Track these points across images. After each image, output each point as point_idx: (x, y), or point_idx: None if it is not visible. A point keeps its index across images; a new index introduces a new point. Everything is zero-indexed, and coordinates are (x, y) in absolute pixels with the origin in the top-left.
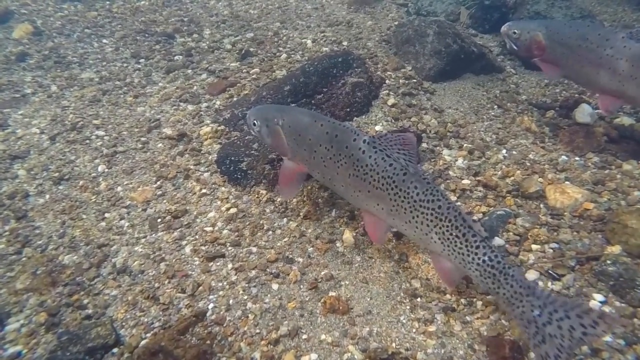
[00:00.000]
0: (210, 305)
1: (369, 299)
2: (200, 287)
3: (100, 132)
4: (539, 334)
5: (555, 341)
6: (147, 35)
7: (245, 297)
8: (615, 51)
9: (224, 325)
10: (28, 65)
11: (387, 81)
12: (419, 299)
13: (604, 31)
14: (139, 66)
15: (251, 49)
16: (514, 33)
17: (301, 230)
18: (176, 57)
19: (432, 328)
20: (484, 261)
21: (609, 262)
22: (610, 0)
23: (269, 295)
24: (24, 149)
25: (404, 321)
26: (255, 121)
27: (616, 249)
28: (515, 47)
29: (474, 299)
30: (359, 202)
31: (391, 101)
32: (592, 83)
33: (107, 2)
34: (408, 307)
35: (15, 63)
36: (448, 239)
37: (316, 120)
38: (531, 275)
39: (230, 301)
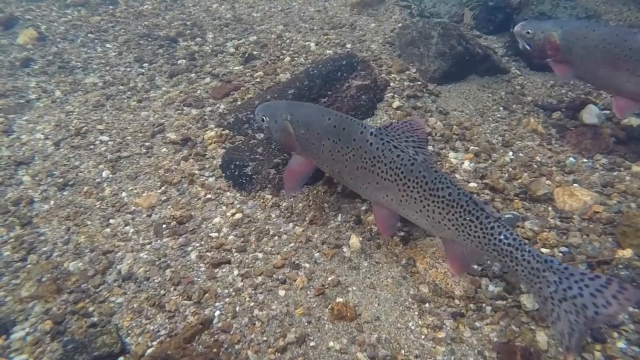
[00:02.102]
0: (217, 313)
1: (376, 305)
2: (206, 294)
3: (104, 137)
4: (555, 311)
5: (571, 317)
6: (150, 39)
7: (252, 304)
8: (633, 52)
9: (231, 333)
10: (32, 70)
11: (391, 84)
12: (427, 305)
13: (621, 32)
14: (143, 70)
15: (254, 52)
16: (528, 33)
17: (307, 236)
18: (179, 61)
19: (441, 334)
20: (500, 240)
21: (620, 266)
22: (616, 0)
23: (275, 301)
24: (28, 155)
25: (413, 327)
26: (263, 117)
27: (627, 253)
28: (528, 48)
29: (483, 304)
30: (368, 194)
31: (396, 104)
32: (608, 85)
33: (111, 7)
34: (416, 313)
35: (20, 69)
36: (462, 224)
37: (324, 114)
38: None
39: (237, 308)
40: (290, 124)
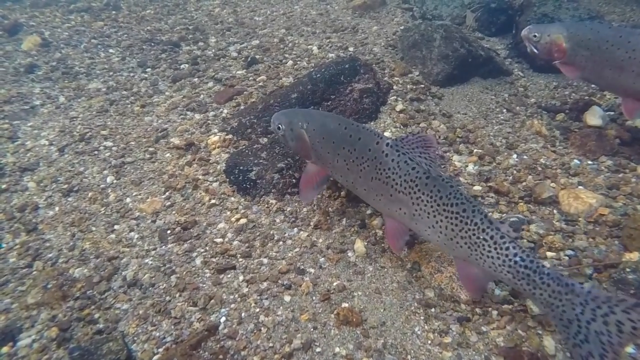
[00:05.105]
0: (222, 319)
1: (382, 310)
2: (212, 300)
3: (109, 143)
4: (582, 332)
5: (602, 338)
6: (153, 44)
7: (257, 309)
8: (638, 53)
9: (237, 339)
10: (37, 76)
11: (394, 87)
12: (433, 309)
13: (626, 32)
14: (146, 75)
15: (257, 56)
16: (535, 36)
17: (312, 240)
18: (182, 66)
19: (447, 339)
20: (515, 262)
21: (628, 269)
22: (618, 0)
23: (281, 307)
24: (33, 161)
25: (419, 332)
26: (280, 125)
27: (635, 256)
28: (535, 51)
29: (489, 309)
30: (381, 206)
31: (399, 107)
32: (614, 86)
33: (113, 12)
34: (422, 318)
35: (24, 75)
36: (475, 242)
37: (340, 123)
38: None
39: (242, 314)
40: (306, 132)
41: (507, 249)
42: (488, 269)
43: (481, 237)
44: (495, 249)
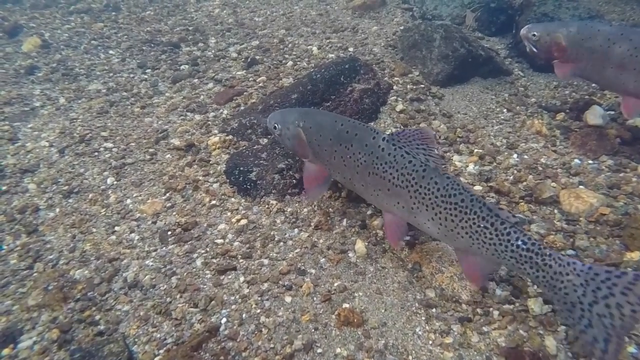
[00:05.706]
0: (223, 320)
1: (383, 311)
2: (213, 302)
3: (109, 144)
4: (585, 317)
5: (605, 321)
6: (153, 45)
7: (258, 310)
8: (638, 51)
9: (238, 340)
10: (37, 78)
11: (394, 87)
12: (434, 310)
13: (626, 31)
14: (146, 76)
15: (257, 57)
16: (534, 35)
17: (313, 241)
18: (182, 67)
19: (448, 340)
20: (518, 246)
21: (629, 269)
22: (618, 0)
23: (282, 308)
24: (33, 163)
25: (420, 333)
26: (276, 124)
27: (636, 255)
28: (535, 50)
29: (491, 309)
30: (379, 201)
31: (399, 107)
32: (614, 85)
33: (113, 13)
34: (423, 318)
35: (25, 76)
36: (476, 231)
37: (336, 120)
38: None
39: (243, 315)
40: (302, 130)
41: (509, 234)
42: (491, 257)
43: (482, 225)
44: (497, 235)
